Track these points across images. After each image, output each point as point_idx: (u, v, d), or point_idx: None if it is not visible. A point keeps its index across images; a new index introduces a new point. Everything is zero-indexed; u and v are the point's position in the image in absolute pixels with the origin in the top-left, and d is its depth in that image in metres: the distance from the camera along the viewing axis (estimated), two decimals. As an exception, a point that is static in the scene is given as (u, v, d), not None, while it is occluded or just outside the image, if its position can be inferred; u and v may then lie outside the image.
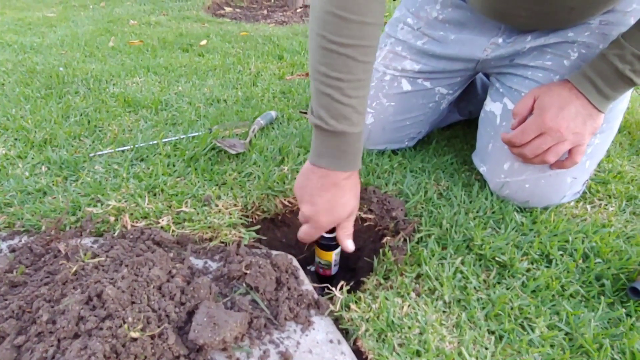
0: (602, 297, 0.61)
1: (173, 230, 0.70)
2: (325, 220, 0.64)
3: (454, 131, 1.15)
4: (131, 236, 0.67)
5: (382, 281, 0.64)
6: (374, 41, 0.59)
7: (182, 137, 1.00)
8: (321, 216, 0.63)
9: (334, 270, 0.75)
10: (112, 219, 0.71)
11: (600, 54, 0.68)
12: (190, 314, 0.53)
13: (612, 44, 0.67)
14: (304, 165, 0.66)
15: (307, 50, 1.90)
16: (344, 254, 0.85)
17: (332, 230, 0.68)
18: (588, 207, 0.83)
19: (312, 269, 0.81)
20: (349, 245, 0.67)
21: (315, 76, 0.59)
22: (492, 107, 0.87)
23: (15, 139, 1.00)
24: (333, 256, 0.72)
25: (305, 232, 0.66)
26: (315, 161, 0.63)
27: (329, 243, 0.70)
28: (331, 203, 0.63)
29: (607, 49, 0.68)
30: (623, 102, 0.80)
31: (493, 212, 0.79)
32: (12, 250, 0.64)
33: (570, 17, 0.75)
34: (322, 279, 0.75)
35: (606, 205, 0.84)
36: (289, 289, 0.60)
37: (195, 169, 0.87)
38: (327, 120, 0.59)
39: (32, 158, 0.92)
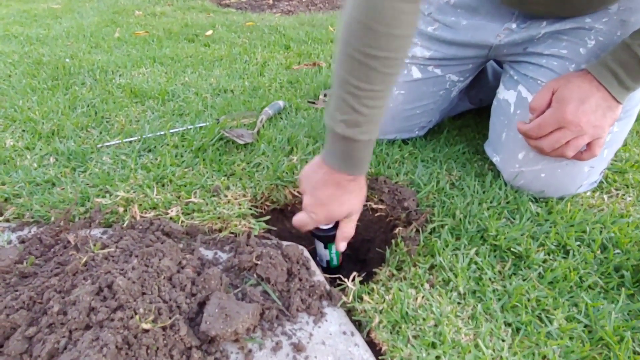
0: (621, 289, 0.60)
1: (182, 221, 0.70)
2: (321, 214, 0.64)
3: (465, 120, 1.13)
4: (140, 227, 0.66)
5: (394, 272, 0.63)
6: (400, 53, 0.57)
7: (189, 127, 0.99)
8: (318, 209, 0.64)
9: (324, 263, 0.75)
10: (121, 209, 0.71)
11: (623, 43, 0.65)
12: (201, 305, 0.52)
13: (636, 34, 0.64)
14: (316, 157, 0.66)
15: (314, 41, 1.87)
16: (354, 245, 0.84)
17: (334, 226, 0.68)
18: (605, 197, 0.81)
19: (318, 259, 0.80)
20: (340, 247, 0.68)
21: (336, 79, 0.59)
22: (506, 95, 0.85)
23: (23, 130, 1.00)
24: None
25: (300, 220, 0.66)
26: (324, 158, 0.63)
27: (324, 234, 0.70)
28: (330, 199, 0.64)
29: (630, 38, 0.64)
30: None
31: (507, 202, 0.77)
32: (22, 241, 0.64)
33: (591, 5, 0.72)
34: (327, 271, 0.75)
35: (624, 195, 0.82)
36: (300, 280, 0.59)
37: (204, 160, 0.87)
38: (338, 123, 0.59)
39: (40, 149, 0.91)
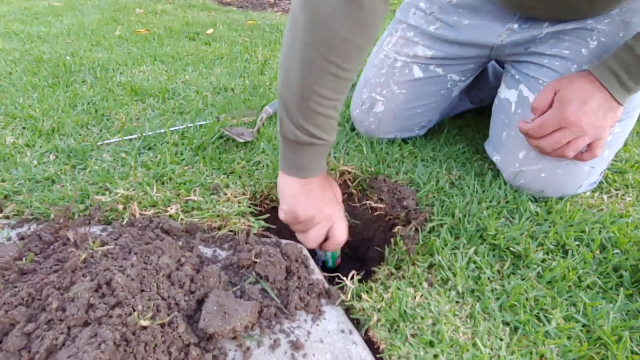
0: (620, 289, 0.60)
1: (182, 219, 0.70)
2: (342, 209, 0.68)
3: (465, 120, 1.12)
4: (140, 224, 0.66)
5: (393, 271, 0.63)
6: (360, 64, 0.60)
7: (189, 125, 0.99)
8: (341, 207, 0.68)
9: (321, 263, 0.75)
10: (120, 207, 0.71)
11: (625, 45, 0.65)
12: (200, 302, 0.52)
13: (638, 36, 0.64)
14: (289, 187, 0.64)
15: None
16: (353, 244, 0.84)
17: None
18: (605, 197, 0.81)
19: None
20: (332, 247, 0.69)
21: (311, 97, 0.57)
22: (507, 94, 0.85)
23: (24, 128, 1.00)
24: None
25: (344, 229, 0.67)
26: (305, 175, 0.64)
27: None
28: (335, 193, 0.68)
29: (633, 40, 0.64)
30: None
31: (507, 202, 0.77)
32: (22, 238, 0.64)
33: (592, 10, 0.72)
34: (326, 271, 0.75)
35: (623, 195, 0.82)
36: (299, 278, 0.59)
37: (203, 158, 0.87)
38: (322, 136, 0.61)
39: (40, 146, 0.91)
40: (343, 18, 0.52)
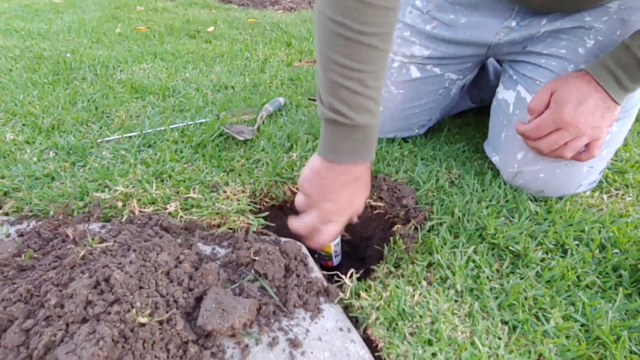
0: (619, 288, 0.60)
1: (181, 216, 0.70)
2: (347, 215, 0.62)
3: (465, 119, 1.12)
4: (139, 222, 0.66)
5: (392, 269, 0.63)
6: (393, 27, 0.54)
7: (189, 123, 0.99)
8: (344, 212, 0.61)
9: (335, 261, 0.74)
10: (119, 204, 0.71)
11: (622, 44, 0.65)
12: (199, 299, 0.52)
13: (636, 35, 0.64)
14: (314, 162, 0.60)
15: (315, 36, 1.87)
16: (353, 243, 0.84)
17: None
18: (604, 196, 0.80)
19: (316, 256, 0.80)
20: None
21: (330, 66, 0.54)
22: (505, 95, 0.84)
23: (23, 125, 1.00)
24: (332, 247, 0.71)
25: (333, 232, 0.61)
26: (332, 158, 0.58)
27: None
28: (352, 197, 0.61)
29: (629, 39, 0.64)
30: None
31: (506, 201, 0.77)
32: (21, 235, 0.64)
33: (589, 0, 0.72)
34: (325, 270, 0.75)
35: (623, 195, 0.82)
36: (298, 276, 0.59)
37: (203, 156, 0.87)
38: (347, 114, 0.55)
39: (40, 143, 0.91)
40: None
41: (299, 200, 0.64)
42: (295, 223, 0.63)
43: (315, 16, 0.54)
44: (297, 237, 0.68)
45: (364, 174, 0.61)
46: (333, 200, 0.60)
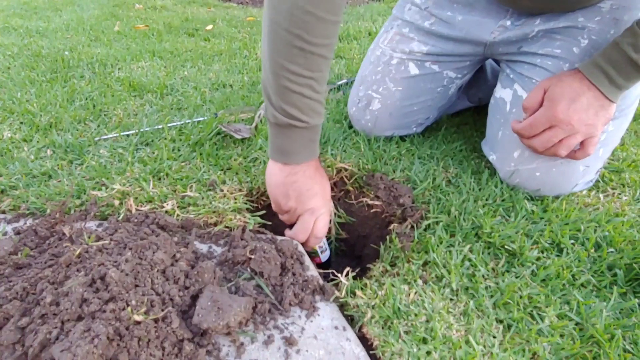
0: (614, 287, 0.60)
1: (177, 215, 0.70)
2: (328, 202, 0.66)
3: (463, 118, 1.12)
4: (135, 220, 0.66)
5: (388, 268, 0.63)
6: (336, 38, 0.60)
7: (187, 121, 0.99)
8: (325, 201, 0.66)
9: (323, 257, 0.74)
10: (116, 202, 0.71)
11: (613, 42, 0.65)
12: (195, 298, 0.53)
13: (626, 32, 0.64)
14: (274, 174, 0.65)
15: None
16: (349, 241, 0.84)
17: None
18: (601, 195, 0.81)
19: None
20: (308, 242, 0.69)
21: (282, 74, 0.57)
22: (502, 93, 0.85)
23: (21, 123, 1.00)
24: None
25: (325, 223, 0.66)
26: (289, 160, 0.63)
27: None
28: (323, 185, 0.67)
29: (620, 37, 0.64)
30: (638, 88, 0.77)
31: (503, 200, 0.77)
32: (17, 233, 0.64)
33: (578, 1, 0.72)
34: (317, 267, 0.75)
35: (620, 194, 0.82)
36: (293, 274, 0.59)
37: (201, 154, 0.87)
38: (301, 117, 0.60)
39: (38, 141, 0.91)
40: None
41: (285, 218, 0.68)
42: (291, 233, 0.67)
43: (267, 26, 0.57)
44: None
45: (319, 163, 0.67)
46: (312, 196, 0.64)
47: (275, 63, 0.57)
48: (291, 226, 0.68)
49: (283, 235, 0.68)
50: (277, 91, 0.59)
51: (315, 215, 0.65)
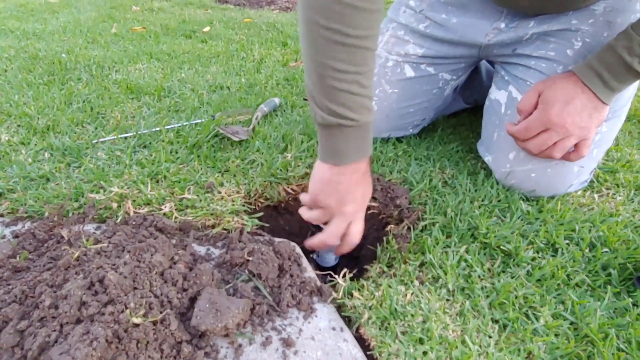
0: (608, 287, 0.61)
1: (175, 217, 0.70)
2: (364, 209, 0.64)
3: (459, 119, 1.13)
4: (134, 222, 0.67)
5: (385, 269, 0.64)
6: (379, 28, 0.56)
7: (185, 124, 1.00)
8: (362, 207, 0.63)
9: (335, 260, 0.75)
10: (114, 205, 0.71)
11: (608, 45, 0.66)
12: (193, 300, 0.53)
13: (620, 35, 0.65)
14: (321, 172, 0.61)
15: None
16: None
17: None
18: (595, 196, 0.81)
19: (314, 256, 0.80)
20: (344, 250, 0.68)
21: (327, 73, 0.55)
22: (497, 95, 0.85)
23: (18, 126, 1.00)
24: None
25: (360, 229, 0.63)
26: (338, 161, 0.60)
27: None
28: (365, 192, 0.64)
29: (614, 40, 0.65)
30: (630, 89, 0.78)
31: (499, 201, 0.78)
32: (16, 236, 0.64)
33: (576, 2, 0.73)
34: (321, 270, 0.75)
35: (614, 194, 0.83)
36: (291, 276, 0.59)
37: (198, 156, 0.87)
38: (350, 116, 0.56)
39: (35, 144, 0.91)
40: None
41: (315, 215, 0.64)
42: (322, 237, 0.63)
43: (303, 26, 0.55)
44: (291, 237, 0.68)
45: (368, 166, 0.63)
46: (352, 201, 0.61)
47: (317, 63, 0.54)
48: (298, 231, 0.66)
49: (280, 237, 0.68)
50: (322, 92, 0.56)
51: (348, 221, 0.62)
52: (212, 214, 0.71)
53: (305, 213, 0.65)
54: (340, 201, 0.61)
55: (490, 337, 0.53)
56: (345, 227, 0.63)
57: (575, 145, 0.71)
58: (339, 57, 0.54)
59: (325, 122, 0.58)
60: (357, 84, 0.55)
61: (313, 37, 0.54)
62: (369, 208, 0.81)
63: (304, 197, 0.65)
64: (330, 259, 0.73)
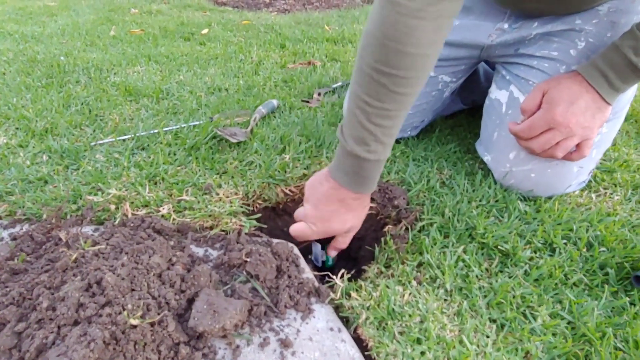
0: (605, 286, 0.61)
1: (173, 219, 0.70)
2: (321, 228, 0.65)
3: (457, 120, 1.13)
4: (132, 224, 0.67)
5: (383, 269, 0.64)
6: (413, 72, 0.55)
7: (183, 125, 1.00)
8: (319, 222, 0.65)
9: (319, 263, 0.75)
10: (112, 207, 0.71)
11: (613, 45, 0.65)
12: (190, 301, 0.53)
13: (626, 35, 0.65)
14: (324, 168, 0.67)
15: (310, 40, 1.88)
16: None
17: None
18: (593, 195, 0.82)
19: (312, 257, 0.80)
20: (331, 254, 0.72)
21: (350, 94, 0.59)
22: (498, 94, 0.85)
23: (17, 128, 1.00)
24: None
25: (299, 230, 0.66)
26: (331, 171, 0.64)
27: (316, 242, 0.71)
28: (332, 215, 0.64)
29: (620, 40, 0.65)
30: (630, 90, 0.78)
31: (496, 201, 0.78)
32: (14, 239, 0.64)
33: (582, 3, 0.73)
34: (319, 271, 0.76)
35: (611, 194, 0.83)
36: (289, 277, 0.59)
37: (196, 158, 0.87)
38: (347, 139, 0.60)
39: (33, 147, 0.91)
40: (380, 19, 0.53)
41: (311, 225, 0.66)
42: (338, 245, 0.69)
43: (363, 70, 0.56)
44: (289, 238, 0.69)
45: (353, 202, 0.65)
46: (315, 206, 0.66)
47: (351, 90, 0.58)
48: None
49: (279, 238, 0.68)
50: (348, 117, 0.59)
51: (351, 234, 0.68)
52: (210, 216, 0.71)
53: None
54: (309, 197, 0.66)
55: (487, 336, 0.53)
56: (349, 240, 0.69)
57: (577, 145, 0.71)
58: (357, 81, 0.57)
59: (337, 133, 0.61)
60: (364, 115, 0.58)
61: (368, 81, 0.56)
62: (367, 209, 0.81)
63: (298, 213, 0.68)
64: (322, 257, 0.74)
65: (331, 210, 0.64)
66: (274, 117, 1.10)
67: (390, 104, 0.56)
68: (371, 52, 0.55)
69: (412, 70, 0.55)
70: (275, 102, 1.15)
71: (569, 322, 0.56)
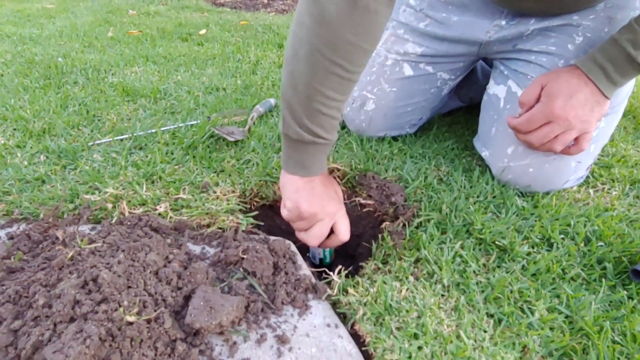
0: (603, 280, 0.61)
1: (170, 217, 0.70)
2: (343, 207, 0.69)
3: (455, 117, 1.13)
4: (129, 223, 0.67)
5: (380, 266, 0.64)
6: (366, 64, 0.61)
7: (180, 125, 1.00)
8: (341, 204, 0.69)
9: (317, 260, 0.75)
10: (109, 206, 0.71)
11: (611, 38, 0.66)
12: (187, 298, 0.53)
13: (624, 29, 0.65)
14: (292, 182, 0.65)
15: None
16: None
17: None
18: (591, 191, 0.82)
19: (309, 255, 0.80)
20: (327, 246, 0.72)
21: (317, 97, 0.59)
22: (496, 90, 0.85)
23: (14, 129, 1.00)
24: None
25: (347, 225, 0.69)
26: (307, 173, 0.65)
27: None
28: (337, 191, 0.70)
29: (618, 33, 0.65)
30: (628, 85, 0.78)
31: (494, 197, 0.78)
32: (11, 238, 0.64)
33: (578, 3, 0.73)
34: (316, 267, 0.76)
35: (609, 189, 0.83)
36: (286, 273, 0.59)
37: (194, 157, 0.87)
38: (325, 136, 0.62)
39: (31, 147, 0.91)
40: (350, 22, 0.53)
41: (301, 225, 0.67)
42: (305, 237, 0.68)
43: (306, 51, 0.57)
44: (286, 236, 0.69)
45: (327, 172, 0.70)
46: (330, 199, 0.66)
47: (310, 87, 0.58)
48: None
49: (276, 236, 0.68)
50: (306, 113, 0.60)
51: (334, 219, 0.67)
52: (207, 214, 0.71)
53: (300, 235, 0.69)
54: (321, 204, 0.65)
55: (485, 331, 0.53)
56: (329, 229, 0.67)
57: (576, 139, 0.71)
58: (333, 87, 0.58)
59: (301, 139, 0.62)
60: (337, 110, 0.61)
61: (314, 63, 0.57)
62: (364, 206, 0.81)
63: (284, 214, 0.68)
64: (319, 254, 0.74)
65: (336, 191, 0.69)
66: (272, 115, 1.10)
67: (347, 95, 0.62)
68: (353, 59, 0.57)
69: (365, 64, 0.60)
70: (272, 101, 1.15)
71: (566, 317, 0.56)
